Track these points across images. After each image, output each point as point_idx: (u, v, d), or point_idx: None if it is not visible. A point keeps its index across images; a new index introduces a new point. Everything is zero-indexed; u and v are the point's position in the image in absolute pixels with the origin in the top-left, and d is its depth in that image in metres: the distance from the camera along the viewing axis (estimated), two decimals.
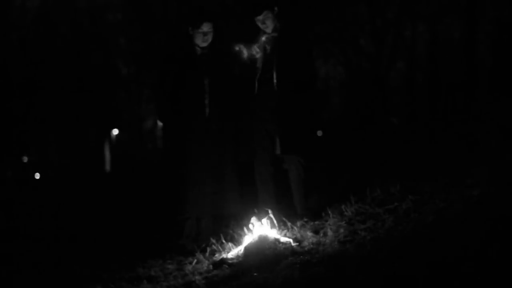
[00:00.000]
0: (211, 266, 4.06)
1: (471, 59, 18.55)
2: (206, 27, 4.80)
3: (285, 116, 4.76)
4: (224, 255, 4.19)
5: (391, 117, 24.32)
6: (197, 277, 3.88)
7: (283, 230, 4.36)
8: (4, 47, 25.84)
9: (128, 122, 30.24)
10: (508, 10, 17.37)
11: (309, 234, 4.22)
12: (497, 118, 7.08)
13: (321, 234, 4.16)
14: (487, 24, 20.78)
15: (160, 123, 5.33)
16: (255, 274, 3.59)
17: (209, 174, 4.83)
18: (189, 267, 4.15)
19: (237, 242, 4.34)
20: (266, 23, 4.73)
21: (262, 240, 4.03)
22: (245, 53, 4.79)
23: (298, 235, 4.21)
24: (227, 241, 4.47)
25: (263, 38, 4.78)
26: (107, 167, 28.32)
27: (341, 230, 4.09)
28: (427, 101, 24.22)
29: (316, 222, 4.50)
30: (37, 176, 28.14)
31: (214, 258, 4.22)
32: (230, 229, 4.85)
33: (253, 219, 4.20)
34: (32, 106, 26.22)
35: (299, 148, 4.82)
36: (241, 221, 4.54)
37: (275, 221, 4.29)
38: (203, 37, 4.81)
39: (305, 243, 4.03)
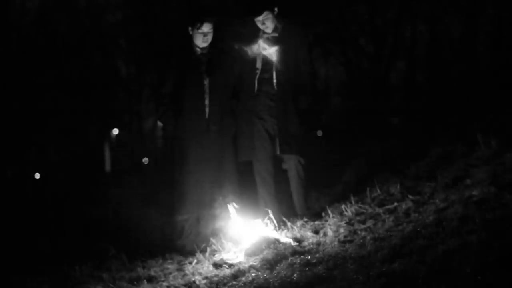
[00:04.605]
0: (211, 266, 4.06)
1: (471, 59, 18.54)
2: (206, 28, 4.81)
3: (285, 116, 4.77)
4: (224, 255, 4.19)
5: (391, 117, 24.28)
6: (197, 277, 3.88)
7: (283, 230, 4.36)
8: (4, 47, 25.81)
9: (128, 122, 30.22)
10: (508, 8, 17.34)
11: (309, 234, 4.22)
12: (497, 118, 7.07)
13: (321, 234, 4.17)
14: (488, 23, 20.76)
15: (160, 123, 5.34)
16: (255, 274, 3.59)
17: (209, 174, 4.83)
18: (189, 267, 4.16)
19: (237, 242, 4.34)
20: (266, 24, 4.74)
21: (262, 240, 4.04)
22: (245, 53, 4.80)
23: (298, 235, 4.21)
24: (227, 241, 4.47)
25: (263, 39, 4.79)
26: (107, 167, 28.29)
27: (341, 230, 4.09)
28: (427, 101, 24.17)
29: (316, 222, 4.51)
30: (37, 176, 28.11)
31: (214, 258, 4.22)
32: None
33: (252, 218, 4.20)
34: (32, 106, 26.18)
35: (299, 148, 4.82)
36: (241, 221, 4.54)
37: (275, 221, 4.29)
38: (203, 37, 4.82)
39: (305, 243, 4.03)
